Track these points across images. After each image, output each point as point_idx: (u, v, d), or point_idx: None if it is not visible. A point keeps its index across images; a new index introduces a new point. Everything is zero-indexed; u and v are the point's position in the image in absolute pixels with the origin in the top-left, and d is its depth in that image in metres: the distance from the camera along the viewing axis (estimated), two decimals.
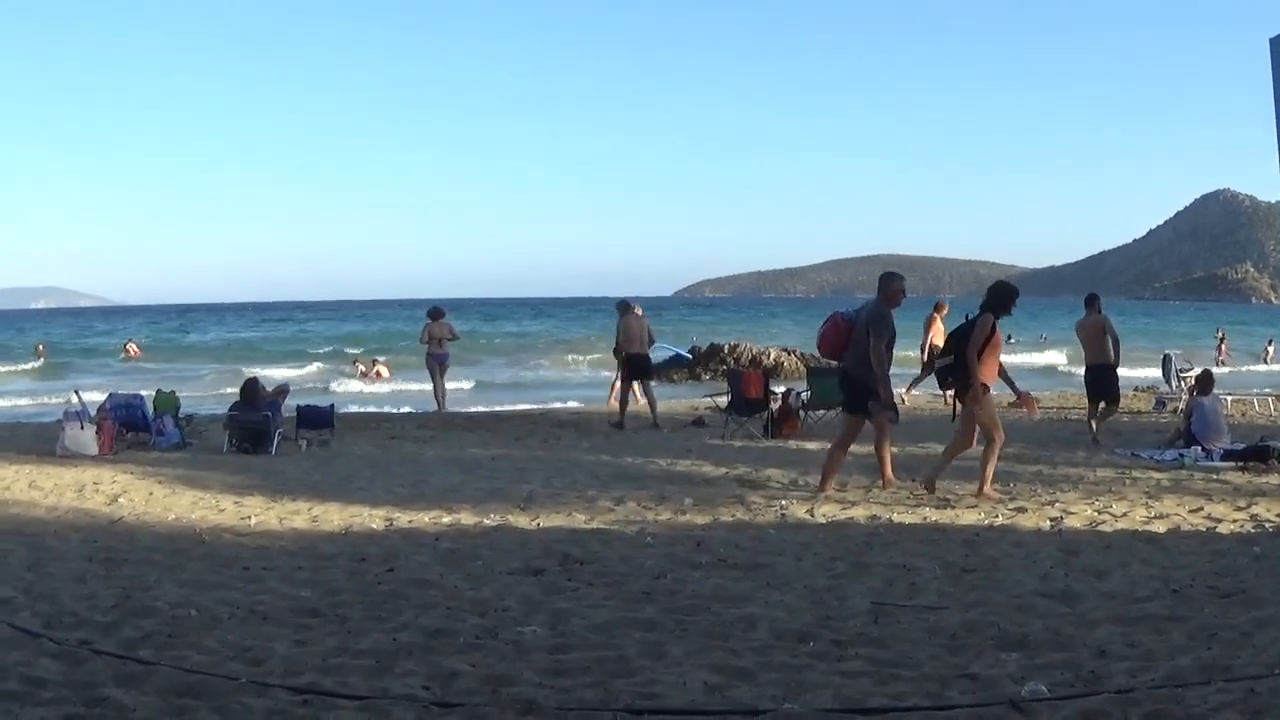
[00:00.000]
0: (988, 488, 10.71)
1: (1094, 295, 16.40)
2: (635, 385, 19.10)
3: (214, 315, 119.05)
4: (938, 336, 20.64)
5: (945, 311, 21.73)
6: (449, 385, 23.32)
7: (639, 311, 19.21)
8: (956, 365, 10.67)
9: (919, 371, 20.72)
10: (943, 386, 11.66)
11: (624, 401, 19.13)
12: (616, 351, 19.37)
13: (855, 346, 11.03)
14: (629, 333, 18.85)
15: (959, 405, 10.95)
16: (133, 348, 47.82)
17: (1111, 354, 15.65)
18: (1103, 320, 15.84)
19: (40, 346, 51.96)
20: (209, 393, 27.31)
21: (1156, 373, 23.87)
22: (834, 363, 11.99)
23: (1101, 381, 15.61)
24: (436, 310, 21.66)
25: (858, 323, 11.09)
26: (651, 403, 18.90)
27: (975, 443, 10.94)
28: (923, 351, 21.43)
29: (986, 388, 10.65)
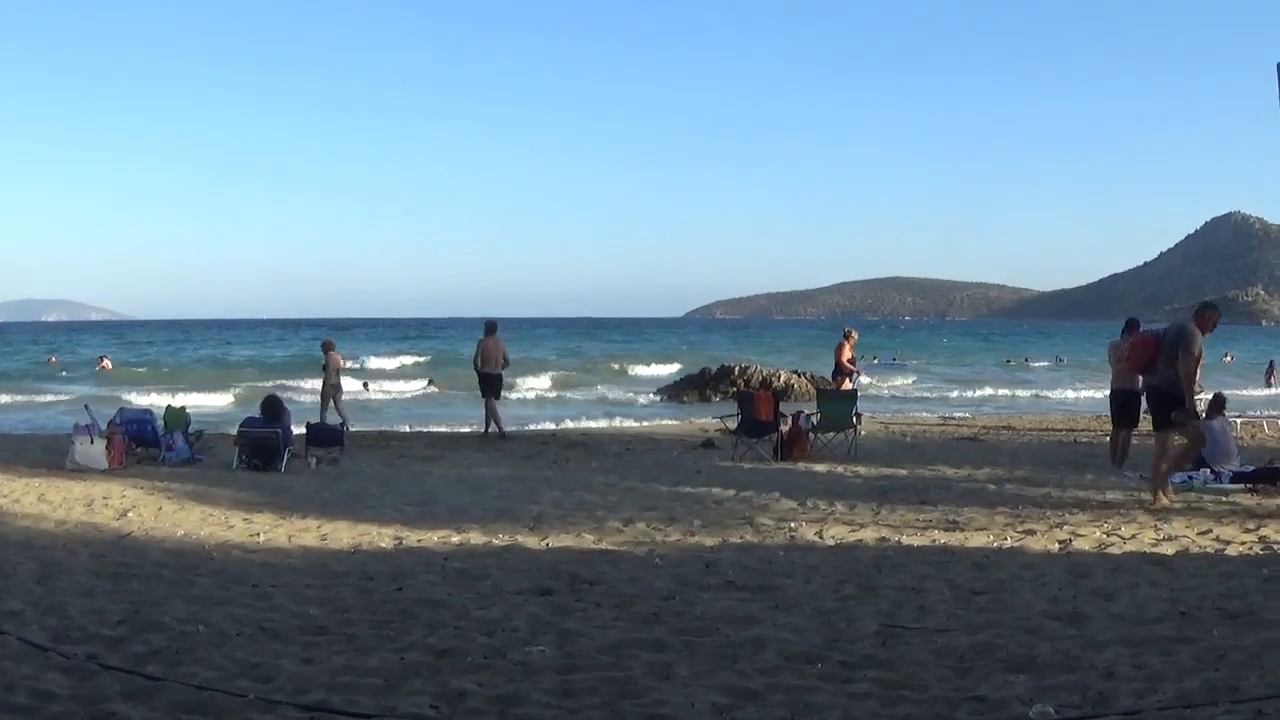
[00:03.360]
0: None
1: (1135, 320, 16.09)
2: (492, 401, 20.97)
3: (225, 330, 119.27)
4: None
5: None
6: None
7: (497, 335, 21.19)
8: None
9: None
10: None
11: (490, 414, 20.82)
12: (476, 368, 21.21)
13: (1164, 363, 11.55)
14: (486, 353, 20.84)
15: None
16: (106, 363, 48.90)
17: (1140, 381, 15.56)
18: None
19: (53, 358, 53.25)
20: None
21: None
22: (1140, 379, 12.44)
23: (1128, 406, 15.46)
24: (329, 343, 22.54)
25: (1165, 341, 11.63)
26: (496, 418, 20.78)
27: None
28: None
29: None
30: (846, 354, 22.38)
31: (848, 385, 22.33)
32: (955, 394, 39.55)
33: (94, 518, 11.08)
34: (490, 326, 21.29)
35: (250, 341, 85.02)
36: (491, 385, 20.98)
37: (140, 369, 50.33)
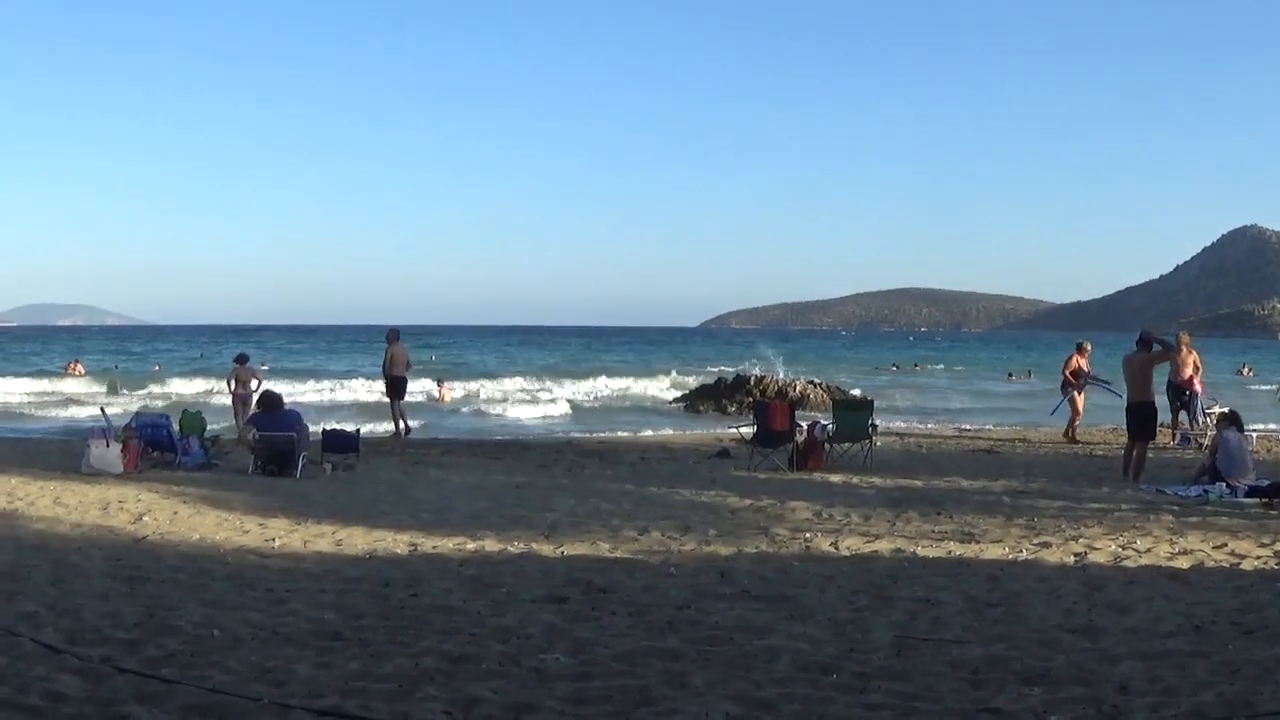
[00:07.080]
0: None
1: (1148, 333, 15.94)
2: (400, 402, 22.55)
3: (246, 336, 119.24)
4: None
5: None
6: None
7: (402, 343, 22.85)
8: None
9: None
10: None
11: (398, 414, 22.18)
12: (385, 373, 22.83)
13: None
14: (395, 359, 22.39)
15: None
16: (78, 367, 49.83)
17: (1153, 392, 15.54)
18: (1150, 360, 15.63)
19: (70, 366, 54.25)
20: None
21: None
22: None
23: (1143, 419, 15.40)
24: (242, 356, 23.57)
25: None
26: (404, 417, 22.38)
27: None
28: None
29: None
30: (1072, 366, 21.89)
31: (1081, 399, 21.90)
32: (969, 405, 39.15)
33: (109, 521, 11.14)
34: (394, 334, 22.88)
35: (271, 348, 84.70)
36: (398, 388, 22.53)
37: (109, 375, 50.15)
